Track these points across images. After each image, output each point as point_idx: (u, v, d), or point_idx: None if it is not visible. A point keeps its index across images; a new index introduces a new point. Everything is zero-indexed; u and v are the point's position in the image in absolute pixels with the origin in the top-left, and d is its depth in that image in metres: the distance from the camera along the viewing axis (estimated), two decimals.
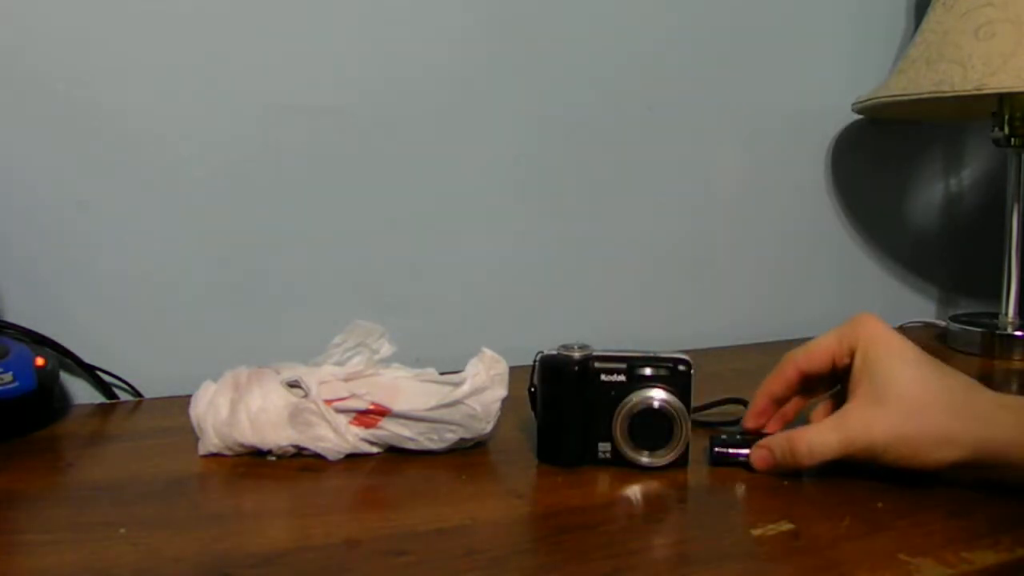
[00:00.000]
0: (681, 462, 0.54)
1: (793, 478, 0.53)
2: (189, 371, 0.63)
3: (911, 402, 0.49)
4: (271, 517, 0.49)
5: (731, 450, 0.55)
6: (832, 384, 0.57)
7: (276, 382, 0.59)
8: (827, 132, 1.07)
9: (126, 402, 0.75)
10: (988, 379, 0.82)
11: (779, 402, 0.57)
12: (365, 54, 0.82)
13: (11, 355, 0.63)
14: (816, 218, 1.07)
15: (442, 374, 0.62)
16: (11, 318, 0.71)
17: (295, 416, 0.57)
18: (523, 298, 0.91)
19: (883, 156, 1.11)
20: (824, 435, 0.51)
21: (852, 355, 0.53)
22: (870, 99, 0.93)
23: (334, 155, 0.82)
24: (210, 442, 0.57)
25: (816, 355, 0.55)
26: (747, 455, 0.54)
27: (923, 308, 1.15)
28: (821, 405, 0.58)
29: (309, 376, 0.59)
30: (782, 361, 0.57)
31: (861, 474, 0.51)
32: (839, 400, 0.55)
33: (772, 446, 0.53)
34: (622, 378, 0.54)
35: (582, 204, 0.93)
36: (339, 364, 0.61)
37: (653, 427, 0.53)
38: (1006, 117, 0.90)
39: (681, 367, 0.54)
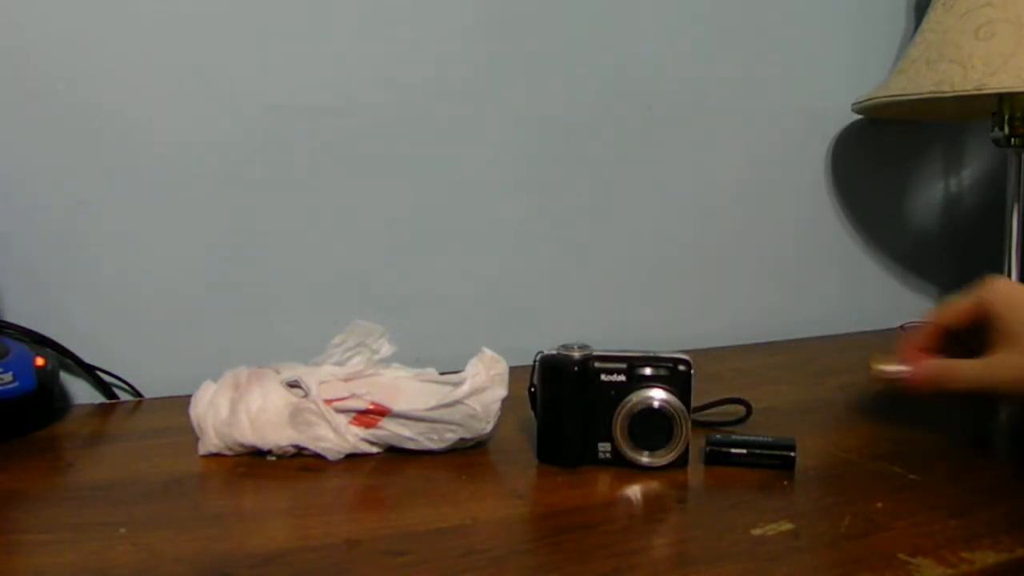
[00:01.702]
0: (681, 462, 0.54)
1: (787, 468, 0.53)
2: (189, 371, 0.63)
3: None
4: (271, 517, 0.49)
5: (728, 450, 0.55)
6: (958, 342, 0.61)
7: (276, 382, 0.59)
8: (827, 132, 1.07)
9: (126, 402, 0.75)
10: None
11: (923, 354, 0.61)
12: (365, 54, 0.82)
13: (11, 355, 0.63)
14: (816, 218, 1.07)
15: (442, 374, 0.62)
16: (11, 318, 0.71)
17: (295, 416, 0.57)
18: (523, 298, 0.91)
19: (883, 156, 1.11)
20: (975, 366, 0.56)
21: (988, 311, 0.57)
22: (870, 99, 0.93)
23: (334, 155, 0.82)
24: (210, 442, 0.57)
25: (959, 311, 0.59)
26: (746, 454, 0.54)
27: (923, 308, 1.15)
28: None
29: (309, 376, 0.59)
30: (925, 321, 0.62)
31: (861, 474, 0.51)
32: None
33: (928, 365, 0.58)
34: (622, 378, 0.54)
35: (582, 204, 0.93)
36: (339, 364, 0.61)
37: (653, 427, 0.53)
38: (1006, 117, 0.90)
39: (681, 367, 0.54)
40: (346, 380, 0.59)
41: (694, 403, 0.54)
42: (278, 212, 0.80)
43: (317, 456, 0.56)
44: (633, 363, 0.54)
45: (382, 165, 0.84)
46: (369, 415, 0.57)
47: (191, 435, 0.58)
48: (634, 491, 0.52)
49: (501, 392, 0.58)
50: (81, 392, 0.75)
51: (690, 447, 0.54)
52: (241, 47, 0.77)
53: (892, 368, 0.59)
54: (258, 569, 0.41)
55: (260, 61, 0.78)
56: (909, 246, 1.14)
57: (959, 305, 0.60)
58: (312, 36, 0.80)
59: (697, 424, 0.59)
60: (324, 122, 0.81)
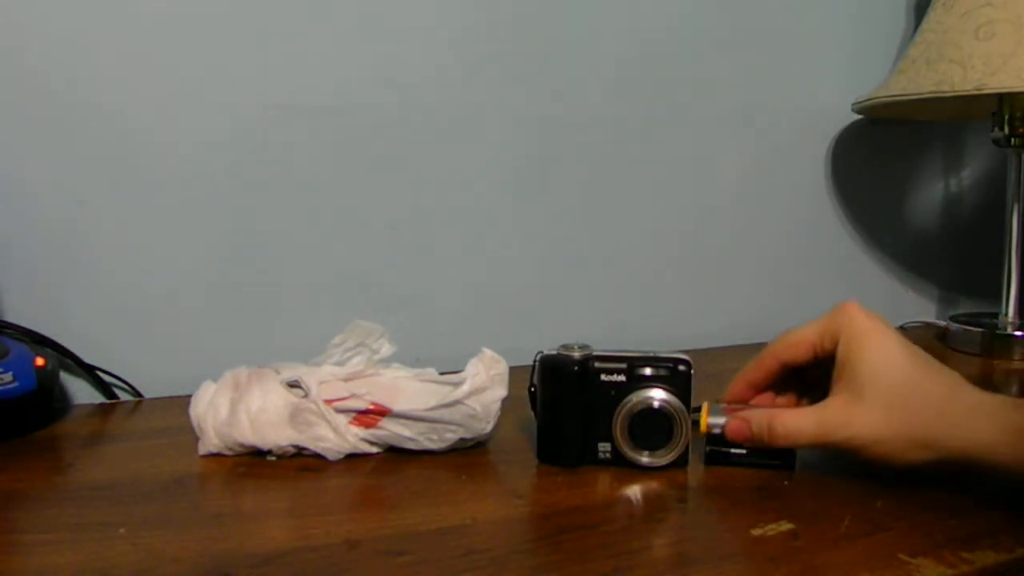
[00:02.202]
0: (681, 462, 0.54)
1: (787, 468, 0.53)
2: (189, 371, 0.63)
3: (890, 401, 0.49)
4: (271, 517, 0.49)
5: (728, 450, 0.55)
6: (812, 373, 0.56)
7: (276, 382, 0.59)
8: (827, 132, 1.07)
9: (126, 402, 0.75)
10: (988, 379, 0.82)
11: (756, 389, 0.58)
12: (365, 54, 0.82)
13: (11, 355, 0.63)
14: (816, 218, 1.07)
15: (442, 374, 0.62)
16: (11, 318, 0.71)
17: (295, 416, 0.57)
18: (523, 298, 0.91)
19: (883, 156, 1.11)
20: (802, 422, 0.51)
21: (835, 345, 0.52)
22: (870, 99, 0.93)
23: (334, 155, 0.82)
24: (210, 442, 0.57)
25: (797, 346, 0.54)
26: (746, 454, 0.55)
27: (923, 308, 1.15)
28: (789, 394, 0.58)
29: (309, 376, 0.59)
30: (763, 351, 0.56)
31: (861, 474, 0.51)
32: (815, 390, 0.55)
33: (751, 420, 0.53)
34: (622, 378, 0.54)
35: (583, 204, 0.93)
36: (339, 364, 0.61)
37: (653, 427, 0.53)
38: (1006, 117, 0.90)
39: (681, 367, 0.54)
40: (346, 380, 0.59)
41: (694, 403, 0.54)
42: (278, 212, 0.80)
43: (317, 456, 0.56)
44: (633, 363, 0.54)
45: (382, 165, 0.84)
46: (369, 415, 0.57)
47: (191, 435, 0.58)
48: (634, 491, 0.52)
49: (501, 392, 0.58)
50: (81, 392, 0.75)
51: (690, 447, 0.54)
52: (241, 47, 0.77)
53: (714, 419, 0.55)
54: (258, 569, 0.41)
55: (260, 61, 0.78)
56: (909, 246, 1.14)
57: (800, 335, 0.54)
58: (312, 36, 0.80)
59: (697, 424, 0.59)
60: (324, 122, 0.81)
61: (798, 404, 0.57)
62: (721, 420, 0.55)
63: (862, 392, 0.49)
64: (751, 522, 0.46)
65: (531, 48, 0.89)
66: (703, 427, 0.55)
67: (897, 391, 0.49)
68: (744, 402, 0.58)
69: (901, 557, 0.42)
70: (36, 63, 0.71)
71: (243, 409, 0.57)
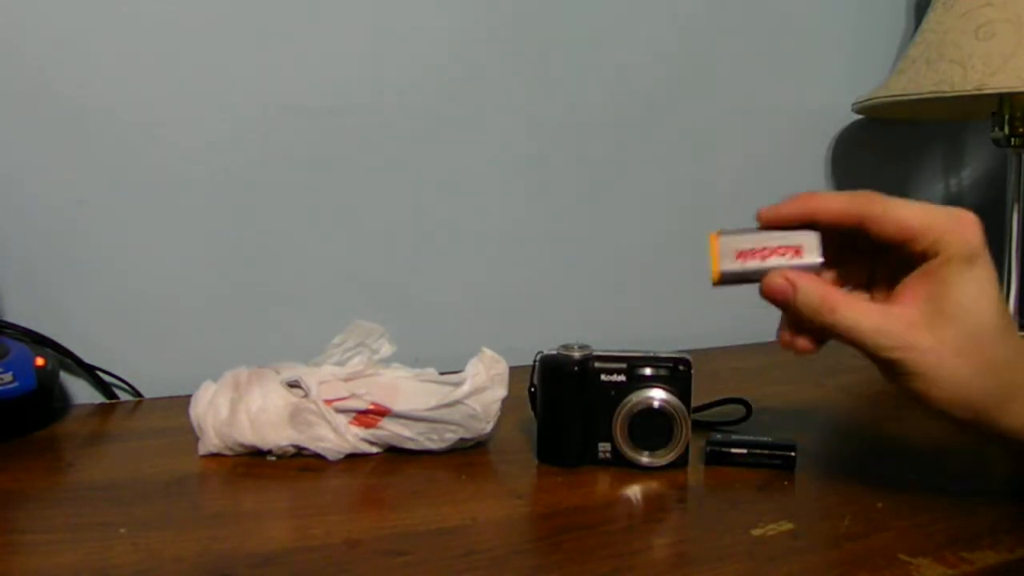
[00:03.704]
0: (681, 462, 0.54)
1: (787, 469, 0.53)
2: (189, 371, 0.63)
3: (967, 348, 0.42)
4: (271, 517, 0.49)
5: (728, 450, 0.55)
6: (885, 258, 0.46)
7: (276, 382, 0.59)
8: (827, 132, 1.07)
9: (126, 402, 0.75)
10: None
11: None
12: (365, 54, 0.82)
13: (11, 355, 0.63)
14: None
15: (442, 374, 0.62)
16: (11, 318, 0.71)
17: (295, 416, 0.57)
18: (523, 298, 0.91)
19: (883, 156, 1.11)
20: (863, 318, 0.43)
21: (935, 252, 0.43)
22: (870, 99, 0.93)
23: (334, 155, 0.82)
24: (210, 442, 0.57)
25: (892, 227, 0.43)
26: (746, 454, 0.55)
27: None
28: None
29: (309, 376, 0.59)
30: (852, 197, 0.45)
31: (861, 474, 0.51)
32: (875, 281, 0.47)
33: (799, 284, 0.45)
34: (622, 378, 0.54)
35: (582, 204, 0.93)
36: (339, 364, 0.61)
37: (653, 427, 0.53)
38: (1006, 117, 0.90)
39: (681, 367, 0.54)
40: (346, 380, 0.59)
41: (694, 403, 0.54)
42: (278, 212, 0.80)
43: (317, 456, 0.56)
44: (633, 363, 0.54)
45: (382, 165, 0.84)
46: (369, 415, 0.57)
47: (191, 435, 0.58)
48: (634, 491, 0.52)
49: (501, 392, 0.58)
50: (81, 392, 0.75)
51: (690, 447, 0.54)
52: (241, 47, 0.77)
53: (728, 265, 0.46)
54: (258, 569, 0.41)
55: (260, 61, 0.78)
56: None
57: (907, 214, 0.43)
58: (312, 36, 0.80)
59: (697, 424, 0.59)
60: (324, 122, 0.81)
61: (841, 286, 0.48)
62: (737, 266, 0.47)
63: (943, 323, 0.42)
64: (751, 522, 0.46)
65: (531, 48, 0.89)
66: (714, 274, 0.46)
67: (978, 341, 0.42)
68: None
69: (901, 557, 0.42)
70: (36, 63, 0.71)
71: (243, 409, 0.57)
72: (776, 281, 0.46)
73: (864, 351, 0.44)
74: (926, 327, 0.42)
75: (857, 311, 0.44)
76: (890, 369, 0.43)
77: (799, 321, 0.46)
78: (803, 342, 0.48)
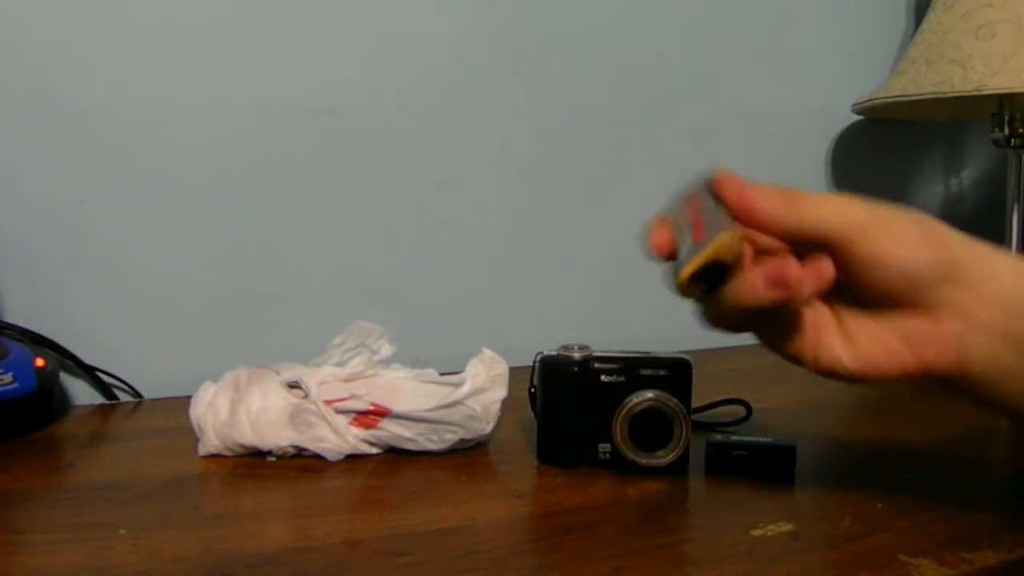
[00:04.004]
0: (681, 462, 0.54)
1: (787, 469, 0.53)
2: (189, 371, 0.63)
3: (921, 227, 0.42)
4: (271, 517, 0.49)
5: (728, 450, 0.55)
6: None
7: (276, 382, 0.59)
8: (827, 132, 1.07)
9: (126, 403, 0.75)
10: None
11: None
12: (365, 54, 0.82)
13: (11, 355, 0.63)
14: None
15: (442, 374, 0.62)
16: (11, 318, 0.71)
17: (295, 417, 0.56)
18: (523, 298, 0.91)
19: (883, 156, 1.11)
20: (825, 199, 0.43)
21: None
22: (870, 100, 0.93)
23: (334, 155, 0.82)
24: (210, 443, 0.57)
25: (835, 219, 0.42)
26: (746, 455, 0.54)
27: None
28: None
29: (309, 376, 0.59)
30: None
31: (861, 474, 0.51)
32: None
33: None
34: (622, 378, 0.54)
35: (583, 204, 0.93)
36: (339, 365, 0.61)
37: (653, 427, 0.53)
38: (1006, 118, 0.90)
39: (681, 367, 0.54)
40: (346, 381, 0.59)
41: (694, 403, 0.54)
42: (278, 212, 0.80)
43: (317, 457, 0.56)
44: (633, 363, 0.54)
45: (382, 165, 0.84)
46: (369, 416, 0.57)
47: (191, 435, 0.58)
48: (634, 491, 0.52)
49: (501, 393, 0.58)
50: (81, 392, 0.75)
51: (690, 448, 0.54)
52: (241, 47, 0.77)
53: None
54: (258, 569, 0.41)
55: (260, 61, 0.78)
56: None
57: (848, 211, 0.42)
58: (312, 37, 0.80)
59: (697, 424, 0.59)
60: (324, 122, 0.81)
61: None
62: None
63: (895, 213, 0.42)
64: (751, 522, 0.46)
65: (531, 48, 0.89)
66: (682, 276, 0.43)
67: (928, 222, 0.42)
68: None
69: (901, 557, 0.42)
70: (36, 63, 0.71)
71: (243, 410, 0.57)
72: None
73: (831, 241, 0.41)
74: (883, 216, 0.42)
75: (820, 198, 0.43)
76: (950, 385, 0.42)
77: (718, 312, 0.45)
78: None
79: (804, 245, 0.42)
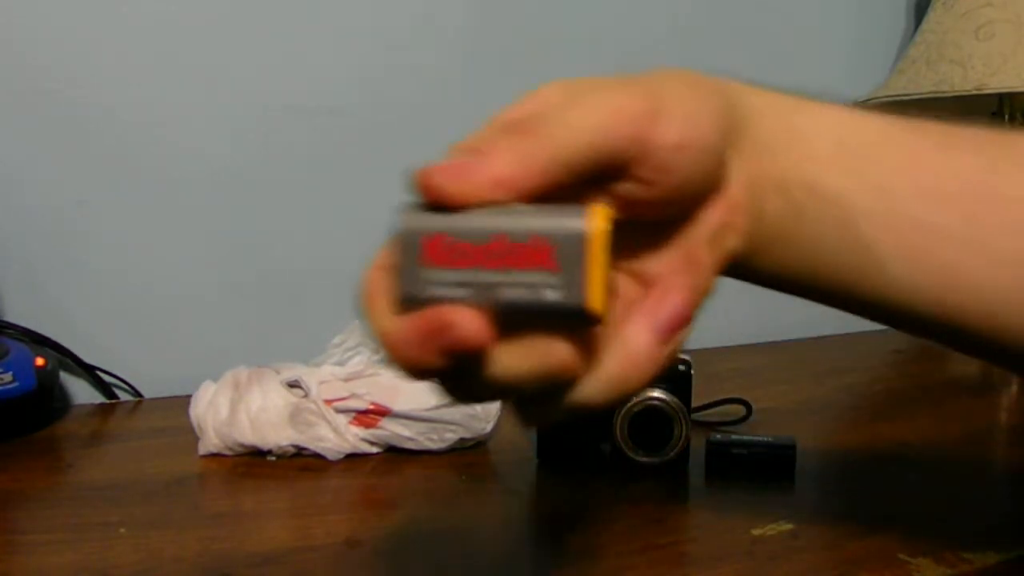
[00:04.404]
0: (681, 462, 0.54)
1: (787, 468, 0.53)
2: (189, 371, 0.63)
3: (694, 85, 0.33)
4: (271, 517, 0.49)
5: (728, 450, 0.55)
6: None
7: (276, 382, 0.59)
8: None
9: (126, 402, 0.75)
10: (988, 378, 0.82)
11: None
12: (365, 54, 0.82)
13: (11, 355, 0.63)
14: None
15: None
16: (11, 318, 0.71)
17: (295, 416, 0.57)
18: None
19: None
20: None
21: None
22: (870, 99, 0.93)
23: (334, 155, 0.82)
24: (210, 442, 0.57)
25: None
26: (746, 454, 0.55)
27: None
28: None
29: (309, 376, 0.59)
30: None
31: (861, 474, 0.51)
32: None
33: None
34: None
35: None
36: (339, 364, 0.61)
37: (653, 427, 0.53)
38: (1006, 117, 0.90)
39: (681, 367, 0.54)
40: (346, 380, 0.59)
41: (694, 403, 0.54)
42: (278, 212, 0.80)
43: (317, 456, 0.56)
44: None
45: (382, 165, 0.84)
46: (369, 415, 0.57)
47: (191, 435, 0.58)
48: (634, 491, 0.52)
49: None
50: (81, 392, 0.75)
51: (690, 447, 0.54)
52: (241, 47, 0.77)
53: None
54: (258, 569, 0.41)
55: (260, 61, 0.78)
56: None
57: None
58: (312, 36, 0.80)
59: (697, 424, 0.59)
60: (324, 122, 0.81)
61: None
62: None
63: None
64: (751, 522, 0.46)
65: (531, 48, 0.89)
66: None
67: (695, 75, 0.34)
68: None
69: (901, 557, 0.42)
70: (36, 63, 0.71)
71: (243, 409, 0.57)
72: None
73: (613, 159, 0.28)
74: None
75: (564, 113, 0.30)
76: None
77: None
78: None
79: (578, 179, 0.27)
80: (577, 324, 0.25)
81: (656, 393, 0.53)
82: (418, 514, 0.48)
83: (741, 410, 0.65)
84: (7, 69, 0.70)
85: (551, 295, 0.24)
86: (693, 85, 0.32)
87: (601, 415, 0.54)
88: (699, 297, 0.32)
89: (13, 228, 0.72)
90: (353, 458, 0.57)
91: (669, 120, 0.29)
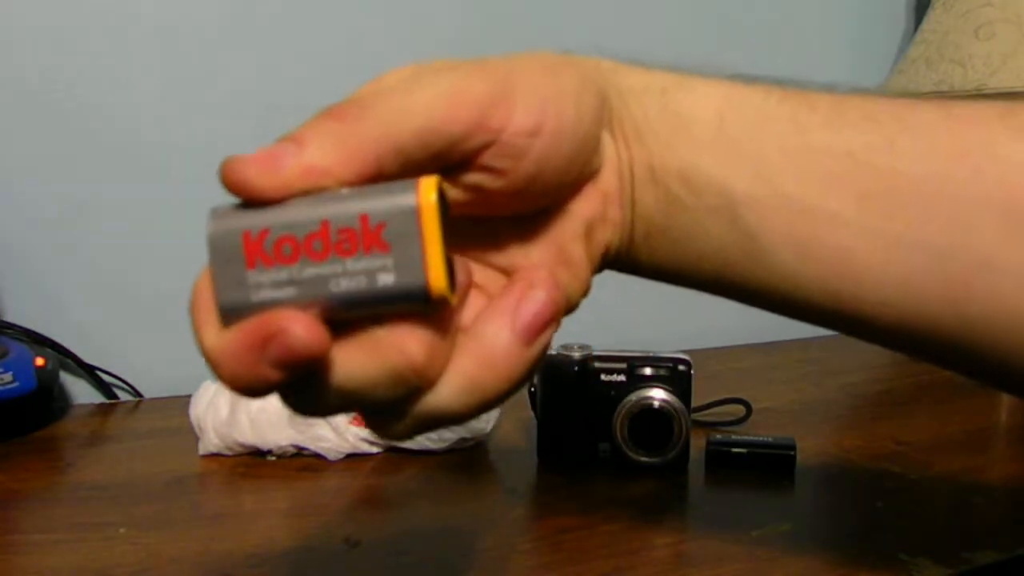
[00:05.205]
0: (681, 462, 0.54)
1: (787, 469, 0.53)
2: (189, 371, 0.63)
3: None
4: (271, 517, 0.49)
5: (728, 450, 0.55)
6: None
7: None
8: None
9: (126, 402, 0.75)
10: None
11: None
12: (365, 54, 0.82)
13: (11, 355, 0.63)
14: None
15: None
16: (11, 318, 0.71)
17: (295, 416, 0.56)
18: None
19: None
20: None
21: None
22: None
23: None
24: (210, 442, 0.57)
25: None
26: (746, 454, 0.55)
27: None
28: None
29: None
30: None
31: (861, 474, 0.51)
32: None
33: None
34: (622, 378, 0.54)
35: None
36: None
37: (653, 427, 0.53)
38: None
39: (681, 367, 0.54)
40: None
41: (694, 403, 0.54)
42: None
43: (317, 456, 0.56)
44: (633, 363, 0.54)
45: None
46: None
47: (191, 435, 0.58)
48: (634, 491, 0.52)
49: None
50: (81, 392, 0.75)
51: (690, 447, 0.54)
52: (241, 47, 0.77)
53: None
54: (258, 569, 0.41)
55: (260, 61, 0.78)
56: None
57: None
58: (312, 37, 0.80)
59: (697, 424, 0.59)
60: None
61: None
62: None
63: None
64: (751, 522, 0.46)
65: (531, 48, 0.89)
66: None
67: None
68: None
69: (901, 557, 0.42)
70: (36, 63, 0.71)
71: (243, 409, 0.57)
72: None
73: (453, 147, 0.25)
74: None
75: (394, 96, 0.27)
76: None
77: None
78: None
79: (415, 167, 0.24)
80: (421, 308, 0.22)
81: (656, 393, 0.53)
82: (418, 514, 0.48)
83: (741, 410, 0.65)
84: (7, 69, 0.70)
85: (387, 279, 0.21)
86: (552, 67, 0.28)
87: (601, 415, 0.54)
88: (569, 294, 0.29)
89: (13, 228, 0.72)
90: (353, 458, 0.57)
91: (520, 104, 0.25)
